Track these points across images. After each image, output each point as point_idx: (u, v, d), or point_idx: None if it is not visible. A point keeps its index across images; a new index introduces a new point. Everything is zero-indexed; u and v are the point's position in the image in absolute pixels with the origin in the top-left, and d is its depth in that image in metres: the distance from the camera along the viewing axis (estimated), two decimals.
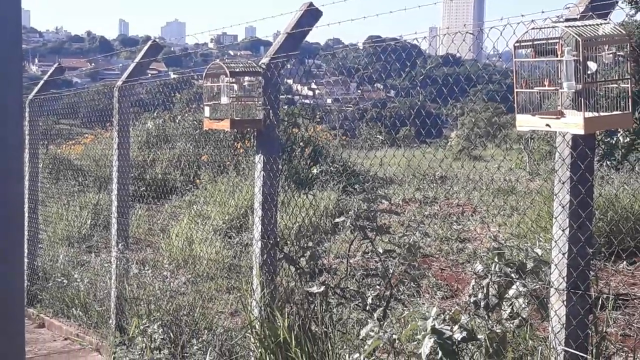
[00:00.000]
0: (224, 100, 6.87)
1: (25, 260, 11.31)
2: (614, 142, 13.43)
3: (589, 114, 4.21)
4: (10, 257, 2.23)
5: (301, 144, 16.88)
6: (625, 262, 8.62)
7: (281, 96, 7.56)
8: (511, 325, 5.38)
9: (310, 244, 7.04)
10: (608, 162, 13.35)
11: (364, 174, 15.60)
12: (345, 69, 7.87)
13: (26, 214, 12.07)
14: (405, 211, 12.67)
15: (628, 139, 13.43)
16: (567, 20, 4.56)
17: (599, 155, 13.32)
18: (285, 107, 17.97)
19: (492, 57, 7.68)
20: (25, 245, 11.62)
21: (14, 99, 2.28)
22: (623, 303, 7.46)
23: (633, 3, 14.89)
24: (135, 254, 10.14)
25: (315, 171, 15.49)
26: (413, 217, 12.15)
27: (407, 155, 7.43)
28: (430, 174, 14.96)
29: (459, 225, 11.79)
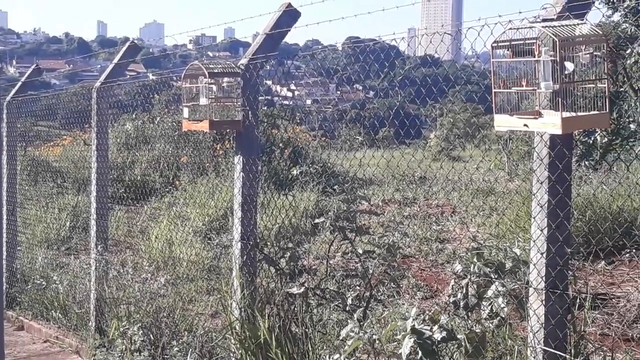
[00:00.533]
0: (203, 101, 6.86)
1: (4, 262, 11.27)
2: (591, 142, 13.47)
3: (566, 114, 4.23)
4: None
5: (281, 145, 16.89)
6: (603, 262, 8.66)
7: (260, 97, 7.56)
8: (490, 325, 5.40)
9: (290, 245, 7.06)
10: (586, 162, 13.40)
11: (344, 174, 15.61)
12: (324, 70, 7.88)
13: (4, 217, 12.01)
14: (384, 212, 12.69)
15: (606, 139, 13.48)
16: (544, 20, 4.58)
17: (577, 156, 13.37)
18: (265, 108, 17.96)
19: (471, 58, 7.70)
20: (4, 248, 11.58)
21: None
22: (601, 302, 7.50)
23: (610, 3, 14.95)
24: (115, 256, 10.10)
25: (295, 172, 15.49)
26: (392, 218, 12.18)
27: (387, 156, 7.45)
28: (409, 174, 14.99)
29: (439, 225, 11.82)
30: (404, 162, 7.53)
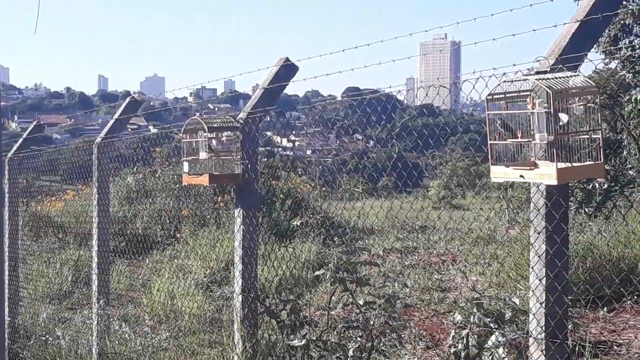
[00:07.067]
0: (203, 155, 6.93)
1: (6, 318, 11.26)
2: (590, 188, 13.52)
3: (561, 165, 4.28)
4: None
5: (281, 195, 16.92)
6: (605, 309, 8.66)
7: (260, 148, 7.62)
8: None
9: (291, 296, 7.07)
10: (586, 209, 13.43)
11: (345, 224, 15.63)
12: (323, 120, 7.95)
13: (6, 272, 12.03)
14: (385, 261, 12.69)
15: (605, 186, 13.53)
16: (537, 73, 4.65)
17: (577, 202, 13.41)
18: (265, 159, 18.02)
19: (469, 107, 7.76)
20: (6, 303, 11.57)
21: None
22: (602, 350, 7.49)
23: (607, 52, 15.11)
24: (117, 310, 10.10)
25: (295, 223, 15.51)
26: (393, 268, 12.17)
27: (387, 205, 7.49)
28: (410, 223, 15.01)
29: (440, 274, 11.81)
30: (404, 212, 7.56)
